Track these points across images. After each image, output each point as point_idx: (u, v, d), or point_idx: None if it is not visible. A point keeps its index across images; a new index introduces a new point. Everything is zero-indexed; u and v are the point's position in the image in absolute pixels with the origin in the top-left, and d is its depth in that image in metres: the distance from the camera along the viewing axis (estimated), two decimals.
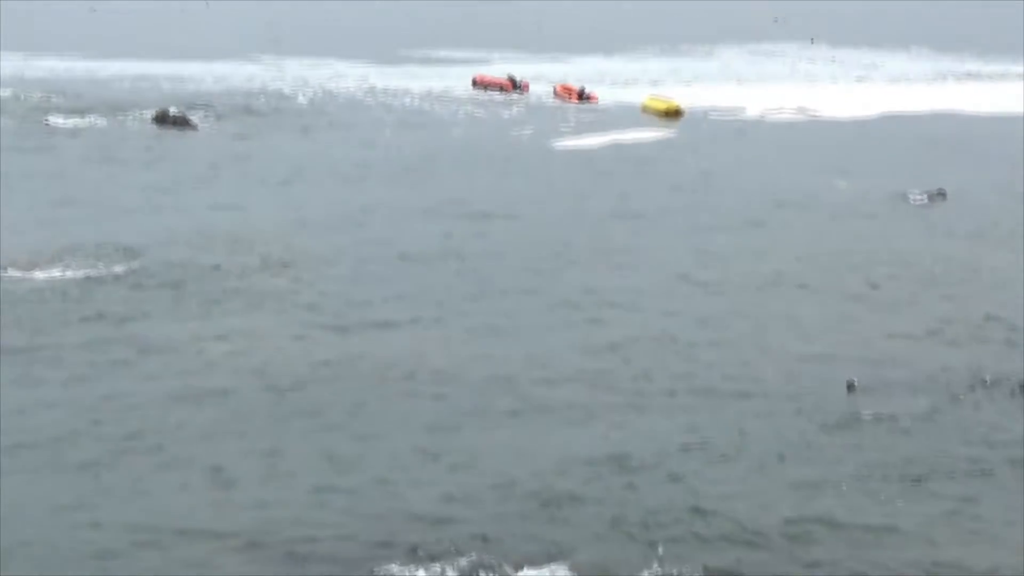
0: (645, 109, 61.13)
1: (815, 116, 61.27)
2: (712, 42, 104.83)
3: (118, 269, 28.83)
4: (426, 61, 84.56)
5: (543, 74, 74.22)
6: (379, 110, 60.00)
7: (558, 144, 50.20)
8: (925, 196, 39.66)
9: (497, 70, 73.99)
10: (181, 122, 52.51)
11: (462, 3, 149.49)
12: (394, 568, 15.41)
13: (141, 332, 24.39)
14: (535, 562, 15.63)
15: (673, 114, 59.24)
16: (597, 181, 41.73)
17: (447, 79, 71.95)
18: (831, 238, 34.13)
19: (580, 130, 54.45)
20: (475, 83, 68.73)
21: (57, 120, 52.99)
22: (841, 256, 32.06)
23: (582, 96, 64.92)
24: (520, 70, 73.24)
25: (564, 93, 65.83)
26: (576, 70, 77.92)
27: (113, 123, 52.66)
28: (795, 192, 40.20)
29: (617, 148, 49.43)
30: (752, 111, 61.96)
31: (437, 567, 15.44)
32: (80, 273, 28.29)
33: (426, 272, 29.36)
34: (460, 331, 25.02)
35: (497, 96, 65.90)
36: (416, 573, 15.30)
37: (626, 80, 73.68)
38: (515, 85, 67.71)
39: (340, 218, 35.10)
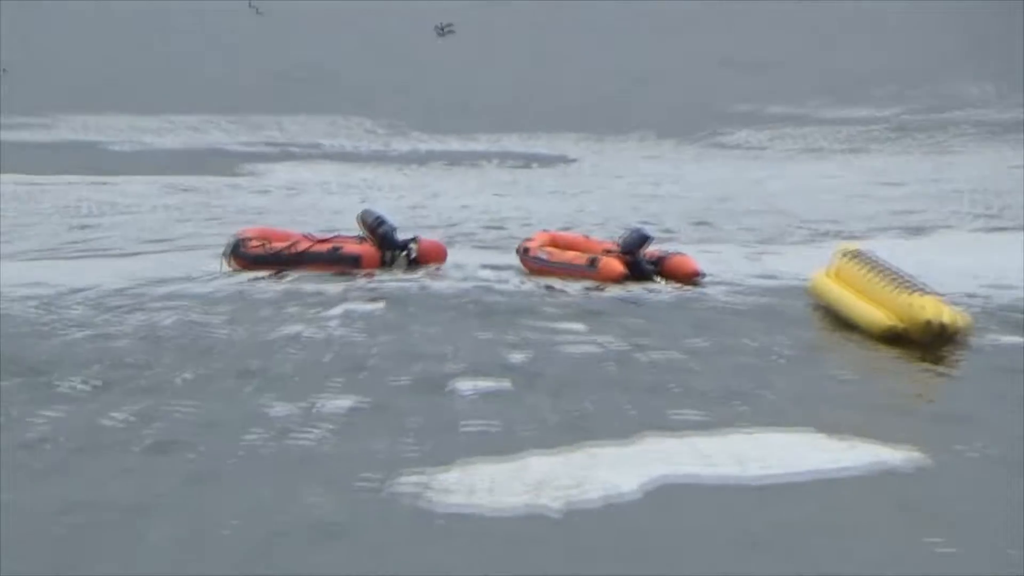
0: (820, 298, 19.57)
1: None
2: None
3: None
4: None
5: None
6: None
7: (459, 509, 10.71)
8: None
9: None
10: None
11: None
12: None
13: None
14: None
15: (937, 331, 18.42)
16: None
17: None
18: None
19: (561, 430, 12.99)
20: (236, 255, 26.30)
21: None
22: None
23: (636, 263, 20.52)
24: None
25: (555, 249, 23.72)
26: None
27: None
28: None
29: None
30: None
31: None
32: None
33: None
34: None
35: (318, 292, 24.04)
36: None
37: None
38: (402, 248, 25.92)
39: None
